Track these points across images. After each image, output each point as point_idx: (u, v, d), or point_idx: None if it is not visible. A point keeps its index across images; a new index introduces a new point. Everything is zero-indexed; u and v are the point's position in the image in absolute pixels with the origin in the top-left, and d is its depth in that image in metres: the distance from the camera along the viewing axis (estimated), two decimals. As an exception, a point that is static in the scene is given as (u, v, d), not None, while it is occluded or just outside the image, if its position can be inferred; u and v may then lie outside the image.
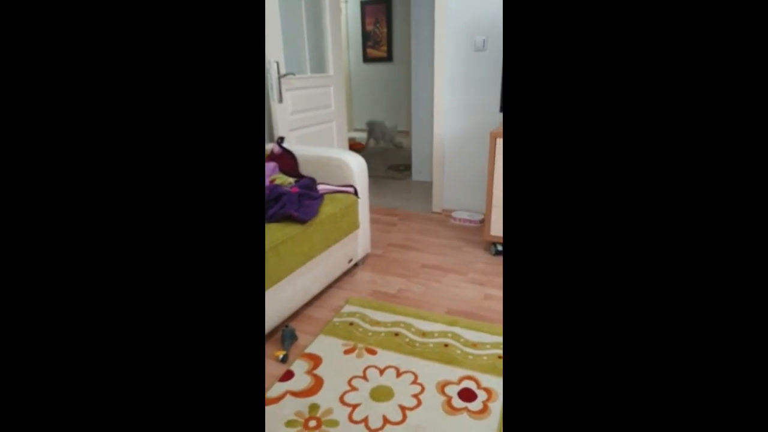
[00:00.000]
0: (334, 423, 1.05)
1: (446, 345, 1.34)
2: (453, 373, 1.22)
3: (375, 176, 3.45)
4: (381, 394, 1.14)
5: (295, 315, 1.56)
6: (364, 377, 1.21)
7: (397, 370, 1.24)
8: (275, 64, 1.96)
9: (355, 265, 1.93)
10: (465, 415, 1.07)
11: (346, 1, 5.11)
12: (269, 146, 1.95)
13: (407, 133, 5.14)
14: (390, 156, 4.13)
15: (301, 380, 1.20)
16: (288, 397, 1.14)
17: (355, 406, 1.10)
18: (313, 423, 1.05)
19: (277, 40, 1.96)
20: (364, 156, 3.98)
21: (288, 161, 1.86)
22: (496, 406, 1.09)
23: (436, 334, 1.39)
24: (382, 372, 1.23)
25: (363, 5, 5.02)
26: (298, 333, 1.44)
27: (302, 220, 1.43)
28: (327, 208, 1.58)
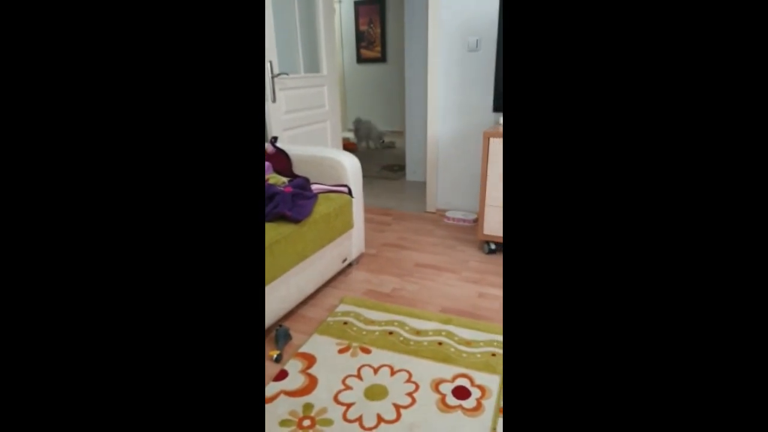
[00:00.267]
0: (329, 422, 1.05)
1: (440, 343, 1.34)
2: (447, 371, 1.22)
3: (369, 176, 3.45)
4: (375, 392, 1.14)
5: (289, 314, 1.55)
6: (359, 376, 1.21)
7: (392, 368, 1.24)
8: (269, 64, 1.96)
9: (350, 264, 1.93)
10: (459, 412, 1.07)
11: (340, 2, 5.11)
12: (263, 146, 1.94)
13: (401, 134, 5.15)
14: (384, 156, 4.13)
15: (295, 380, 1.20)
16: (282, 396, 1.14)
17: (349, 405, 1.10)
18: (307, 422, 1.05)
19: (271, 39, 1.96)
20: (357, 156, 3.98)
21: (282, 161, 1.86)
22: (490, 404, 1.10)
23: (430, 333, 1.40)
24: (376, 371, 1.23)
25: (356, 6, 5.02)
26: (292, 332, 1.44)
27: (296, 220, 1.43)
28: (321, 208, 1.58)
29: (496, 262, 1.92)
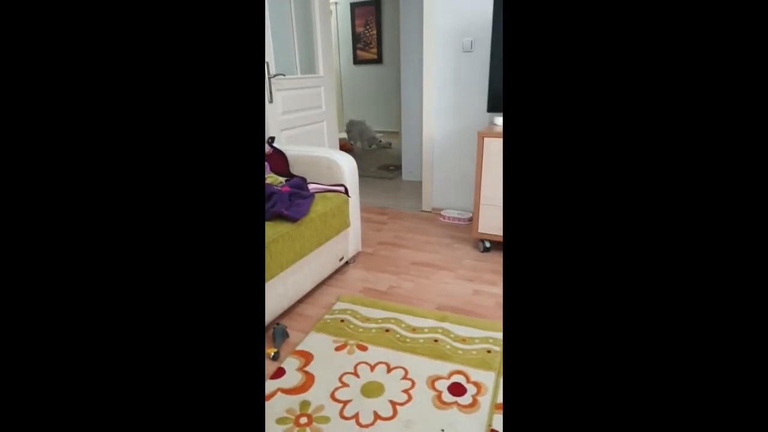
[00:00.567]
0: (325, 419, 1.06)
1: (436, 340, 1.36)
2: (443, 367, 1.23)
3: (365, 176, 3.46)
4: (372, 389, 1.15)
5: (286, 312, 1.56)
6: (355, 373, 1.22)
7: (388, 365, 1.25)
8: (265, 65, 1.96)
9: (346, 263, 1.94)
10: (455, 409, 1.08)
11: (336, 3, 5.12)
12: (259, 146, 1.94)
13: (397, 134, 5.16)
14: (380, 156, 4.14)
15: (292, 377, 1.20)
16: (279, 394, 1.14)
17: (346, 403, 1.11)
18: (304, 420, 1.06)
19: (267, 41, 1.97)
20: (354, 156, 3.98)
21: (279, 161, 1.86)
22: (485, 400, 1.11)
23: (426, 330, 1.41)
24: (372, 368, 1.24)
25: (353, 7, 5.04)
26: (289, 330, 1.44)
27: (293, 219, 1.44)
28: (318, 207, 1.59)
29: (491, 260, 1.94)
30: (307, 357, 1.29)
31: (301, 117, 2.30)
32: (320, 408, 1.09)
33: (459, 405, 1.09)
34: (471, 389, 1.15)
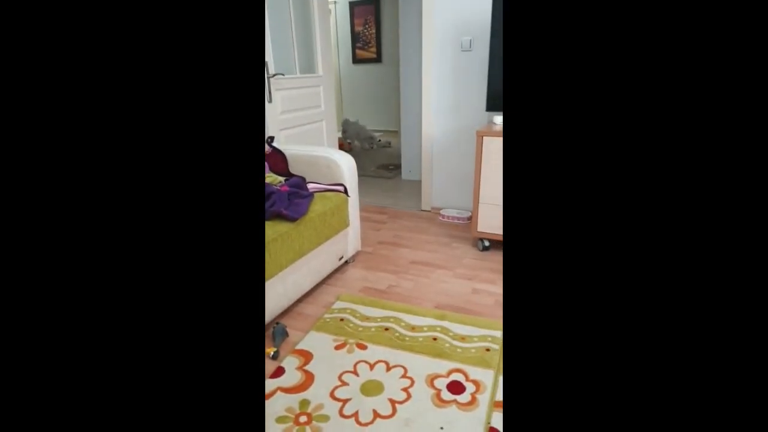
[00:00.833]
0: (325, 418, 1.06)
1: (435, 339, 1.36)
2: (442, 366, 1.24)
3: (365, 176, 3.46)
4: (371, 388, 1.16)
5: (286, 312, 1.56)
6: (355, 372, 1.22)
7: (387, 364, 1.25)
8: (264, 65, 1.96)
9: (346, 262, 1.94)
10: (454, 407, 1.09)
11: (335, 2, 5.12)
12: (258, 145, 1.95)
13: (396, 133, 5.16)
14: (379, 155, 4.15)
15: (291, 376, 1.21)
16: (279, 393, 1.15)
17: (345, 401, 1.11)
18: (303, 419, 1.06)
19: (266, 40, 1.97)
20: (353, 156, 3.99)
21: (278, 160, 1.86)
22: (484, 398, 1.11)
23: (425, 328, 1.41)
24: (372, 367, 1.24)
25: (352, 6, 5.03)
26: (289, 329, 1.45)
27: (292, 218, 1.44)
28: (317, 207, 1.59)
29: (490, 259, 1.94)
30: (306, 356, 1.30)
31: (300, 116, 2.31)
32: (320, 407, 1.10)
33: (458, 403, 1.10)
34: (470, 387, 1.15)
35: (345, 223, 1.76)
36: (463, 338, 1.36)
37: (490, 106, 1.98)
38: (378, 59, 5.13)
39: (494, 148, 1.82)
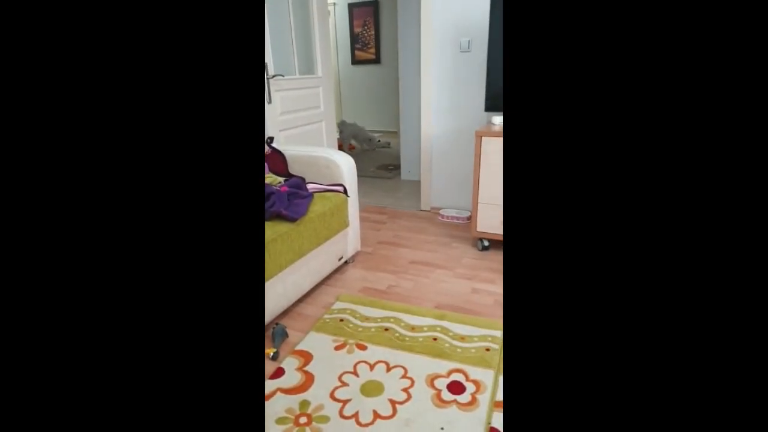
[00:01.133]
0: (325, 419, 1.06)
1: (435, 339, 1.36)
2: (442, 366, 1.23)
3: (364, 176, 3.46)
4: (371, 389, 1.15)
5: (286, 312, 1.56)
6: (355, 373, 1.22)
7: (387, 364, 1.25)
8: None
9: (346, 262, 1.94)
10: (454, 407, 1.09)
11: (335, 4, 5.12)
12: (258, 146, 1.95)
13: (396, 134, 5.17)
14: (379, 156, 4.15)
15: (291, 377, 1.21)
16: (279, 394, 1.14)
17: (345, 402, 1.11)
18: (303, 419, 1.06)
19: (266, 42, 1.97)
20: (353, 156, 3.99)
21: (277, 161, 1.86)
22: (485, 398, 1.11)
23: (425, 329, 1.41)
24: (372, 367, 1.24)
25: (351, 8, 5.04)
26: (288, 330, 1.45)
27: (292, 219, 1.44)
28: (317, 207, 1.59)
29: (490, 259, 1.94)
30: (306, 356, 1.29)
31: (300, 117, 2.31)
32: (320, 407, 1.10)
33: (458, 403, 1.10)
34: (470, 387, 1.15)
35: (344, 224, 1.76)
36: (463, 338, 1.36)
37: (489, 107, 1.98)
38: (377, 60, 5.14)
39: (493, 149, 1.82)
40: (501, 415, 1.07)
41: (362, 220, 2.49)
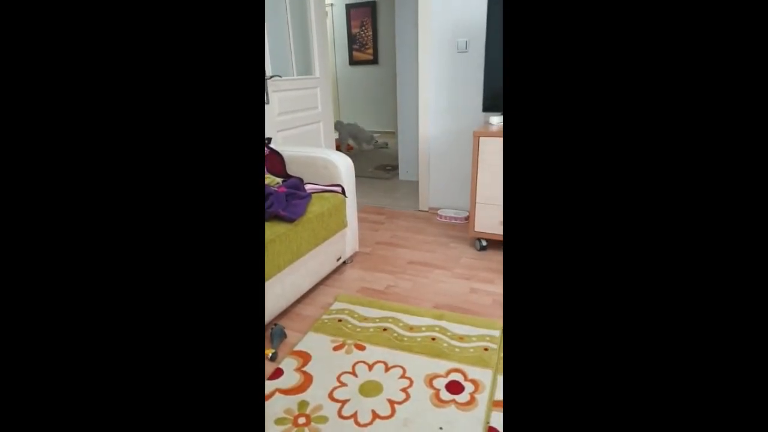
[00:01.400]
0: (324, 419, 1.06)
1: (433, 338, 1.36)
2: (440, 366, 1.24)
3: (362, 176, 3.46)
4: (370, 389, 1.16)
5: (284, 313, 1.56)
6: (353, 373, 1.22)
7: (386, 364, 1.25)
8: (260, 65, 1.96)
9: (344, 262, 1.94)
10: (453, 407, 1.09)
11: (332, 5, 5.12)
12: (255, 147, 1.95)
13: (393, 134, 5.17)
14: (377, 156, 4.15)
15: (290, 378, 1.21)
16: (277, 394, 1.14)
17: (344, 402, 1.11)
18: (302, 420, 1.06)
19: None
20: (351, 156, 3.99)
21: (275, 162, 1.86)
22: (483, 398, 1.11)
23: (423, 329, 1.41)
24: (370, 367, 1.24)
25: (348, 8, 5.04)
26: (287, 331, 1.44)
27: (290, 219, 1.44)
28: (315, 208, 1.59)
29: (488, 259, 1.95)
30: (305, 357, 1.29)
31: (298, 118, 2.31)
32: (318, 408, 1.10)
33: (457, 403, 1.10)
34: (469, 387, 1.15)
35: (343, 224, 1.76)
36: (461, 338, 1.36)
37: (487, 107, 1.99)
38: (375, 61, 5.14)
39: (491, 149, 1.83)
40: (500, 414, 1.07)
41: (360, 220, 2.49)
